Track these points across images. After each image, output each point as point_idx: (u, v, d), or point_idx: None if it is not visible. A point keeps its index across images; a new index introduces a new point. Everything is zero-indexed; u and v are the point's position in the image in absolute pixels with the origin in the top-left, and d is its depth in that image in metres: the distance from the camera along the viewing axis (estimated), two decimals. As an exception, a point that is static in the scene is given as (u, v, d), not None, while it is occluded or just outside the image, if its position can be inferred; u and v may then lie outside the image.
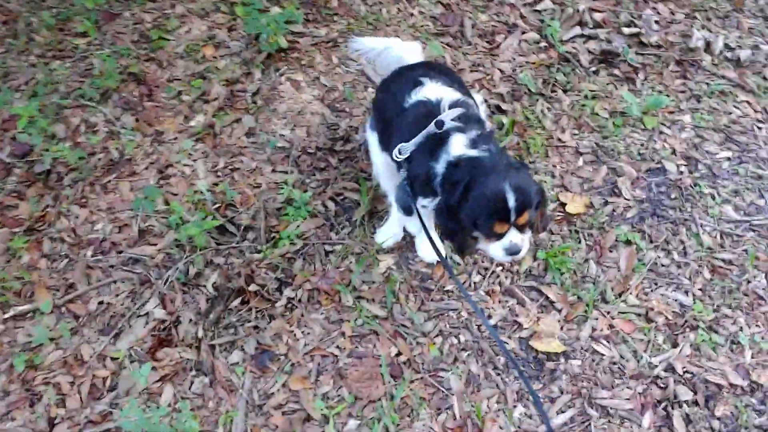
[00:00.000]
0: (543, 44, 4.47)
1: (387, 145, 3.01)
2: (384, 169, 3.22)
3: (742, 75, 4.22)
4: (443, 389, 2.99)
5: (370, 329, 3.18)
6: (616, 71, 4.29)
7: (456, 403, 2.94)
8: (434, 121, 2.68)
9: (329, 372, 3.06)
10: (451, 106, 2.75)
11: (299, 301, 3.28)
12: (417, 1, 4.71)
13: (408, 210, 3.02)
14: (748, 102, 4.08)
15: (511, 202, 2.43)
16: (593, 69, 4.30)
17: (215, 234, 3.47)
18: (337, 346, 3.14)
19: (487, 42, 4.52)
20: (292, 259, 3.42)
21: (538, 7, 4.69)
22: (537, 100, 4.12)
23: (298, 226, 3.51)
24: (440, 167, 2.66)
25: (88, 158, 3.79)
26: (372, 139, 3.24)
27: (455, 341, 3.13)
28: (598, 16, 4.61)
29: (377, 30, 4.50)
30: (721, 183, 3.66)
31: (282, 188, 3.63)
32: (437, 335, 3.15)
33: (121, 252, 3.45)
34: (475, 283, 3.31)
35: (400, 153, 2.77)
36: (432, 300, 3.26)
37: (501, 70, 4.29)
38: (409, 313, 3.21)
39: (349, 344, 3.14)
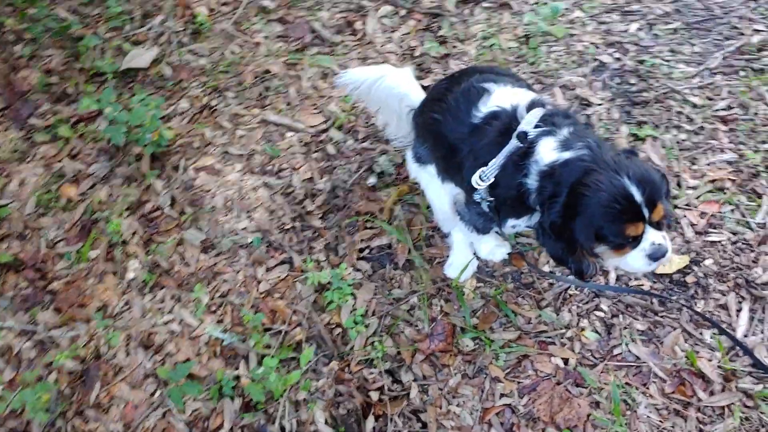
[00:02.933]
0: (402, 12, 4.19)
1: (453, 174, 2.55)
2: (449, 202, 2.76)
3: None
4: (631, 363, 2.70)
5: (517, 356, 2.75)
6: (486, 4, 4.18)
7: (654, 366, 2.67)
8: (515, 134, 2.22)
9: (519, 423, 2.59)
10: (528, 109, 2.29)
11: (425, 377, 2.73)
12: (251, 30, 4.12)
13: (485, 230, 2.63)
14: (608, -24, 4.25)
15: (638, 196, 1.99)
16: (466, 11, 4.15)
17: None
18: (502, 394, 2.67)
19: (351, 34, 4.13)
20: (375, 342, 2.82)
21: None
22: (447, 63, 3.86)
23: (354, 308, 2.90)
24: (533, 181, 2.20)
25: (41, 392, 2.73)
26: (425, 174, 2.75)
27: (600, 314, 2.83)
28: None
29: (239, 75, 3.86)
30: (656, 50, 3.77)
31: (306, 277, 2.96)
32: (579, 320, 2.83)
33: (188, 462, 2.56)
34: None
35: (481, 180, 2.29)
36: (543, 291, 2.92)
37: (393, 53, 3.95)
38: (535, 317, 2.83)
39: (511, 384, 2.69)
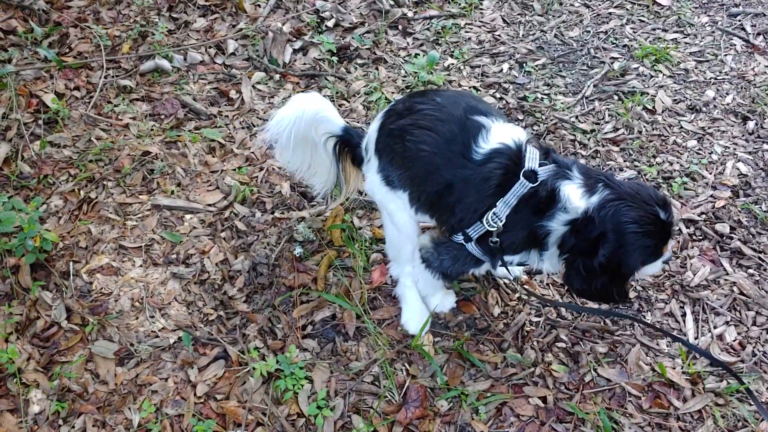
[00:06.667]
0: (276, 77, 4.05)
1: (442, 211, 2.42)
2: (410, 234, 2.63)
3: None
4: (604, 387, 2.68)
5: (495, 406, 2.63)
6: (360, 61, 4.17)
7: (626, 385, 2.67)
8: (522, 173, 2.21)
9: None
10: (526, 146, 2.28)
11: (409, 450, 2.52)
12: (114, 113, 3.76)
13: (457, 274, 2.57)
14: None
15: (667, 218, 2.16)
16: (342, 69, 4.10)
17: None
18: (492, 449, 2.53)
19: (228, 104, 3.93)
20: (345, 425, 2.57)
21: (230, 51, 4.20)
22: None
23: (313, 392, 2.64)
24: (557, 225, 2.22)
25: None
26: (394, 199, 2.55)
27: (561, 344, 2.81)
28: (287, 28, 4.36)
29: (114, 161, 3.48)
30: (533, 86, 3.95)
31: (252, 368, 2.65)
32: (543, 355, 2.78)
33: None
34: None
35: (492, 222, 2.25)
36: (501, 333, 2.84)
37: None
38: (501, 361, 2.74)
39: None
